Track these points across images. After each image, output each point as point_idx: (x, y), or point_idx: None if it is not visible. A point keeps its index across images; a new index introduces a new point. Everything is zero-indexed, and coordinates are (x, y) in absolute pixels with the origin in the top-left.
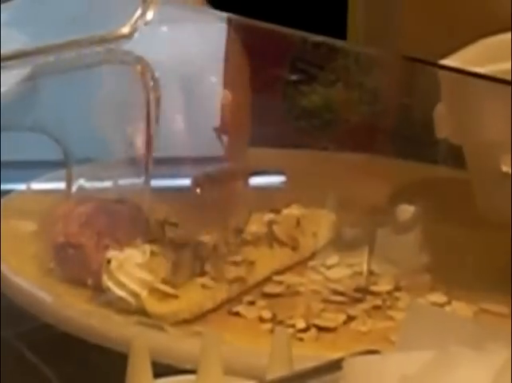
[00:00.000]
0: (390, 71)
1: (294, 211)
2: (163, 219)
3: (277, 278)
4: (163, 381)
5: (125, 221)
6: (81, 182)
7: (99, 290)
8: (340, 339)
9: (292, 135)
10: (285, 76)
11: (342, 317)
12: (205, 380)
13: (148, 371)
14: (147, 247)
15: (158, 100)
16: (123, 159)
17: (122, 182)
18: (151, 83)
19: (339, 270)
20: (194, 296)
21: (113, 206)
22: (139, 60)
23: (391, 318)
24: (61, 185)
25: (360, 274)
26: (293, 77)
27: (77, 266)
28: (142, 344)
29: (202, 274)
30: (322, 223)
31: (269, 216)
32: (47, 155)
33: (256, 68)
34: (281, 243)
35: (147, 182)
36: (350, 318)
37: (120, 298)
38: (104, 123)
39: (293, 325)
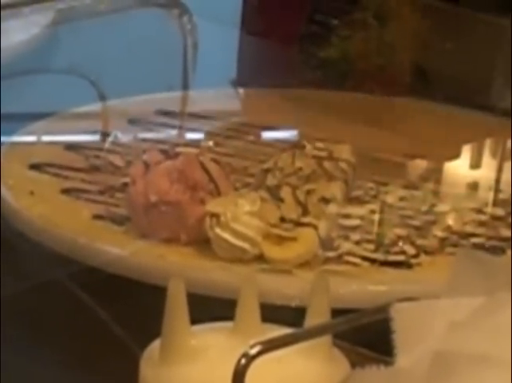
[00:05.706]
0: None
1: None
2: (267, 168)
3: (344, 211)
4: (200, 327)
5: (215, 173)
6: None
7: (193, 244)
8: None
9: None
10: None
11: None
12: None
13: (185, 316)
14: (255, 195)
15: (195, 46)
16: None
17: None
18: (189, 27)
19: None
20: (310, 236)
21: (198, 159)
22: (177, 3)
23: None
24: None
25: None
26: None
27: (172, 223)
28: (178, 289)
29: (305, 214)
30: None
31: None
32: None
33: (274, 19)
34: (333, 177)
35: (181, 132)
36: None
37: (237, 248)
38: (139, 67)
39: (404, 252)
